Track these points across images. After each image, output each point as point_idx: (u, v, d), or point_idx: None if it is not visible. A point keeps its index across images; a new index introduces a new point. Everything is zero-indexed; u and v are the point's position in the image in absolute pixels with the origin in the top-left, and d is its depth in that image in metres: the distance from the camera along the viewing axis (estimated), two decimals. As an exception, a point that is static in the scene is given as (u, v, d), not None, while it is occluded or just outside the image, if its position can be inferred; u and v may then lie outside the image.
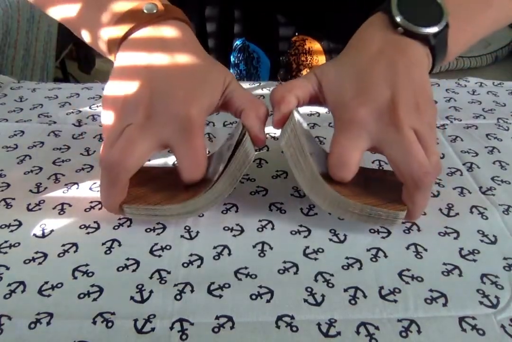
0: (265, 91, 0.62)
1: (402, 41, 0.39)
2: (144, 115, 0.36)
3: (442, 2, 0.40)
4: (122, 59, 0.39)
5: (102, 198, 0.39)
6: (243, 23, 0.72)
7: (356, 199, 0.37)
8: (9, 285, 0.35)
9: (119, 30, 0.39)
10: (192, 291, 0.34)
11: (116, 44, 0.39)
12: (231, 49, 0.73)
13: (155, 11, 0.39)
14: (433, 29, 0.39)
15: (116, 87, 0.38)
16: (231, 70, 0.73)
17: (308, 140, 0.39)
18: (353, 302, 0.34)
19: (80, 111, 0.58)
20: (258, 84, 0.64)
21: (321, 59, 0.73)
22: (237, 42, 0.72)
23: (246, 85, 0.64)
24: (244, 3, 0.70)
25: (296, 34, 0.71)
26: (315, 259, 0.37)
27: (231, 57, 0.73)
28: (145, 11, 0.39)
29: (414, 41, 0.39)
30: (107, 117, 0.37)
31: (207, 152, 0.49)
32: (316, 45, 0.71)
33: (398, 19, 0.39)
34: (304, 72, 0.73)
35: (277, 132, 0.53)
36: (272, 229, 0.40)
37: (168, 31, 0.39)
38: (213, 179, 0.38)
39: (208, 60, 0.40)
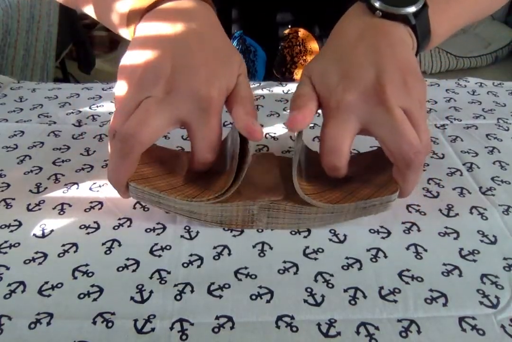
0: (265, 91, 0.62)
1: (382, 24, 0.39)
2: (164, 89, 0.35)
3: None
4: (145, 29, 0.38)
5: (109, 173, 0.37)
6: (240, 19, 0.72)
7: (348, 198, 0.37)
8: (9, 285, 0.35)
9: (143, 1, 0.38)
10: (192, 291, 0.34)
11: (139, 14, 0.39)
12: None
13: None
14: (411, 9, 0.39)
15: (135, 57, 0.37)
16: None
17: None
18: (353, 302, 0.34)
19: (80, 111, 0.58)
20: (258, 84, 0.64)
21: (315, 50, 0.73)
22: (236, 34, 0.72)
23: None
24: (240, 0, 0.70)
25: (289, 26, 0.71)
26: (315, 259, 0.37)
27: None
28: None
29: (394, 22, 0.39)
30: (123, 87, 0.36)
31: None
32: (309, 37, 0.72)
33: (376, 4, 0.38)
34: (299, 64, 0.73)
35: (277, 132, 0.53)
36: (272, 229, 0.40)
37: (195, 7, 0.38)
38: (225, 182, 0.37)
39: (230, 44, 0.40)
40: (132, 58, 0.37)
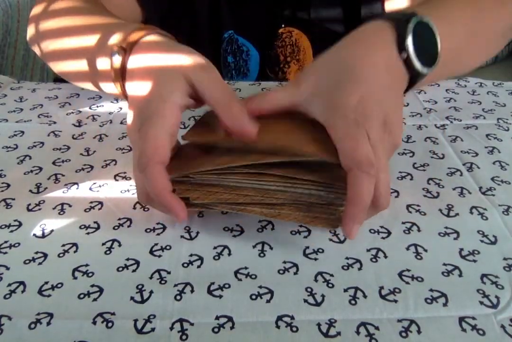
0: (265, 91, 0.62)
1: (399, 68, 0.40)
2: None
3: (440, 46, 0.41)
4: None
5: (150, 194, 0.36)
6: (232, 17, 0.72)
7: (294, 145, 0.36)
8: (9, 285, 0.35)
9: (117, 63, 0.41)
10: (192, 291, 0.34)
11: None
12: (221, 41, 0.73)
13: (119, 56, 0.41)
14: (425, 70, 0.40)
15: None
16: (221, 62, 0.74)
17: None
18: (353, 302, 0.34)
19: (80, 111, 0.58)
20: (258, 84, 0.64)
21: (308, 50, 0.73)
22: (225, 35, 0.72)
23: (246, 85, 0.65)
24: None
25: (283, 26, 0.72)
26: (315, 259, 0.37)
27: (221, 49, 0.74)
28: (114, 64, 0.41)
29: (406, 71, 0.40)
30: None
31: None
32: (303, 37, 0.72)
33: (410, 48, 0.39)
34: (292, 64, 0.73)
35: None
36: (272, 229, 0.40)
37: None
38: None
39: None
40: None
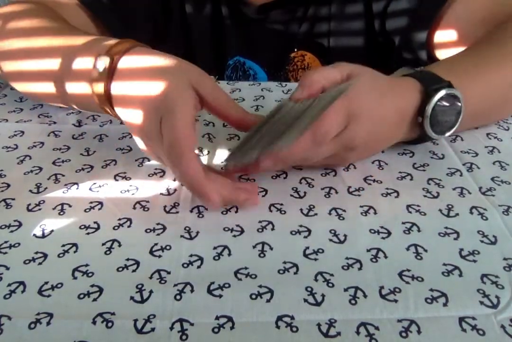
0: (265, 92, 0.62)
1: (413, 126, 0.45)
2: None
3: (461, 118, 0.45)
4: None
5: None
6: (238, 41, 0.72)
7: None
8: (9, 285, 0.35)
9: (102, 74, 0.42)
10: (192, 291, 0.34)
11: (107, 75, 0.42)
12: (224, 68, 0.73)
13: (106, 67, 0.41)
14: (435, 136, 0.45)
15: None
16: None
17: None
18: (353, 302, 0.34)
19: (80, 111, 0.58)
20: (258, 84, 0.64)
21: None
22: (230, 62, 0.72)
23: (246, 84, 0.65)
24: (238, 20, 0.70)
25: (295, 50, 0.71)
26: (315, 259, 0.37)
27: (224, 76, 0.73)
28: (99, 70, 0.42)
29: (416, 128, 0.45)
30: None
31: (207, 152, 0.50)
32: (316, 62, 0.72)
33: (427, 115, 0.43)
34: None
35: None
36: (272, 229, 0.40)
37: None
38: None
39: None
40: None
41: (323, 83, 0.41)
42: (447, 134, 0.46)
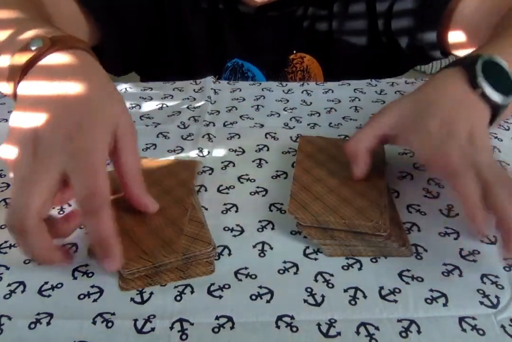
0: (266, 92, 0.62)
1: (476, 101, 0.41)
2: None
3: None
4: (27, 89, 0.37)
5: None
6: (237, 42, 0.71)
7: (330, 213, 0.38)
8: (9, 285, 0.35)
9: (21, 58, 0.38)
10: (192, 291, 0.34)
11: (18, 71, 0.38)
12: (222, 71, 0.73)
13: (41, 45, 0.37)
14: (505, 100, 0.41)
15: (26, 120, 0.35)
16: None
17: None
18: (353, 302, 0.34)
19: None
20: (258, 84, 0.64)
21: (319, 76, 0.73)
22: (228, 64, 0.72)
23: (246, 84, 0.64)
24: (237, 22, 0.70)
25: (294, 52, 0.71)
26: (315, 259, 0.37)
27: (222, 78, 0.73)
28: (31, 48, 0.37)
29: (485, 104, 0.41)
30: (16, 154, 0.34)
31: (207, 152, 0.49)
32: (315, 64, 0.71)
33: (483, 84, 0.40)
34: None
35: (277, 132, 0.53)
36: (272, 229, 0.40)
37: (75, 61, 0.38)
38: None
39: (103, 91, 0.38)
40: (21, 121, 0.35)
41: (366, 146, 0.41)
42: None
